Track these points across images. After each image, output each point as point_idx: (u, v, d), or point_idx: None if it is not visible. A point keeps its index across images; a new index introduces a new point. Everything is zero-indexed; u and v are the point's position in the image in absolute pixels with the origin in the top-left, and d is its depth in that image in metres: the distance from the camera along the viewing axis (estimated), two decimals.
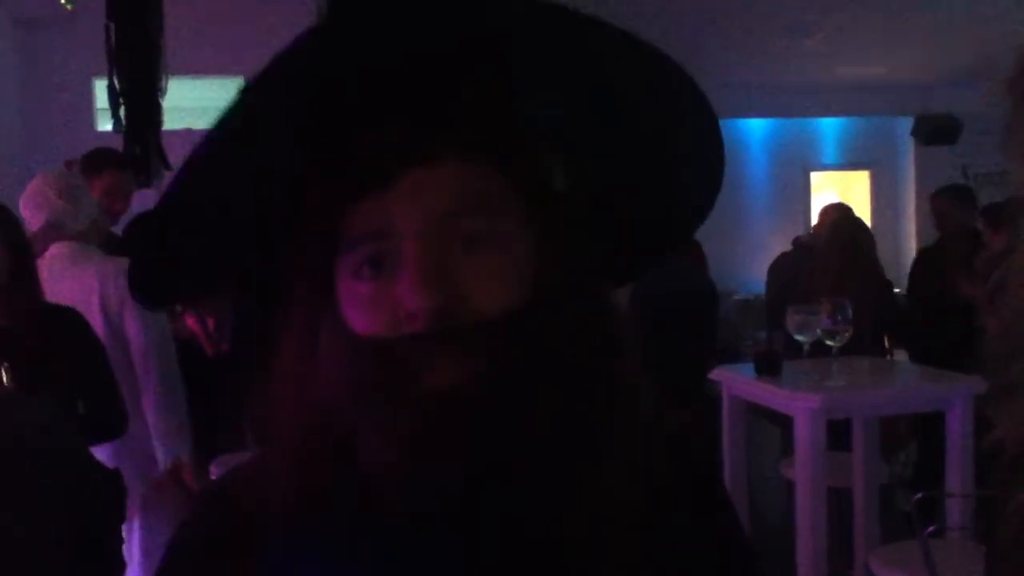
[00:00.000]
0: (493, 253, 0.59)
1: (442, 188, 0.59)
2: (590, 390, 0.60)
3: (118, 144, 3.79)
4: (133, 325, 2.68)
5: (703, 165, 0.69)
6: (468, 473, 0.56)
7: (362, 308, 0.60)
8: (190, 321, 3.32)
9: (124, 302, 2.64)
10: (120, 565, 2.10)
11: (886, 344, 4.30)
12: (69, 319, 2.32)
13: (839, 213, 4.57)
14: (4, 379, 2.07)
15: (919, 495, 2.60)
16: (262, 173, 0.60)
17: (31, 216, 2.71)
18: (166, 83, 3.88)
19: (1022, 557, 0.79)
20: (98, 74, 4.47)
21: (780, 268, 4.79)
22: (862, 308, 3.52)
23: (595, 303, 0.63)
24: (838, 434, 3.57)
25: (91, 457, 2.21)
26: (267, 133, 0.58)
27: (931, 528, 2.49)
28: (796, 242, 5.19)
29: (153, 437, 2.74)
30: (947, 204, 4.64)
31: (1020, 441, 0.82)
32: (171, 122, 3.94)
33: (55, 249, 2.66)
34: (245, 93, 0.56)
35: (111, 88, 3.90)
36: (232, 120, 0.56)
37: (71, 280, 2.60)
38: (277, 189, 0.61)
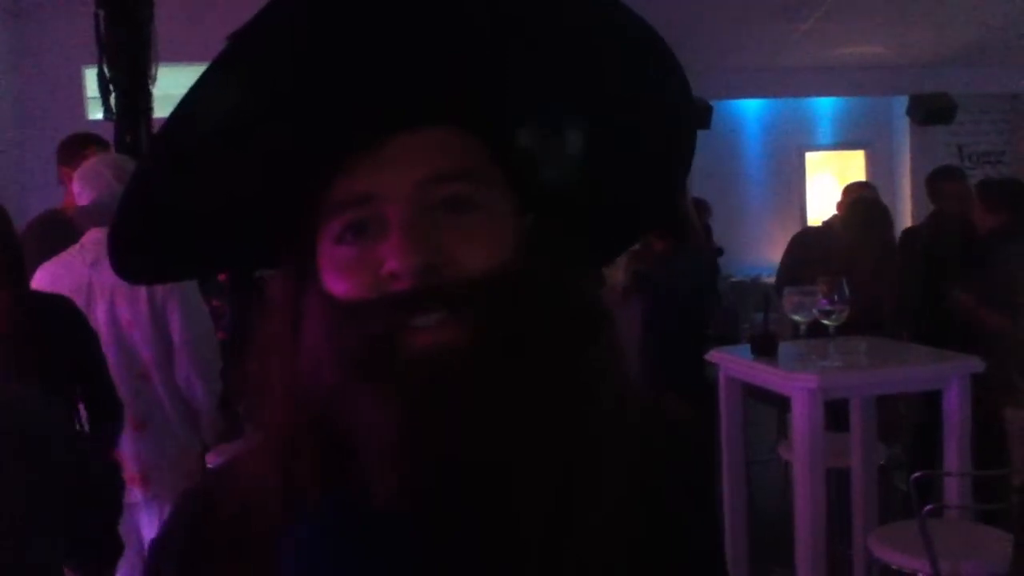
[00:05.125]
0: (475, 217, 0.60)
1: (425, 153, 0.60)
2: (577, 355, 0.60)
3: (109, 132, 3.77)
4: (176, 316, 2.65)
5: (680, 148, 0.69)
6: (460, 441, 0.55)
7: (344, 272, 0.60)
8: None
9: (170, 293, 2.62)
10: (118, 551, 2.10)
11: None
12: (62, 309, 2.30)
13: (858, 193, 4.55)
14: None
15: (917, 475, 2.60)
16: (245, 142, 0.59)
17: (81, 191, 2.68)
18: (156, 71, 3.86)
19: None
20: (88, 63, 4.44)
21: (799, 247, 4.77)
22: (881, 291, 3.52)
23: (576, 275, 0.64)
24: (835, 415, 3.57)
25: (85, 444, 2.20)
26: (250, 100, 0.57)
27: (929, 507, 2.49)
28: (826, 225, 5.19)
29: (202, 427, 2.75)
30: (943, 185, 4.64)
31: None
32: (161, 110, 3.91)
33: (96, 234, 2.64)
34: (224, 60, 0.55)
35: (101, 76, 3.88)
36: (214, 87, 0.56)
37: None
38: (260, 159, 0.60)
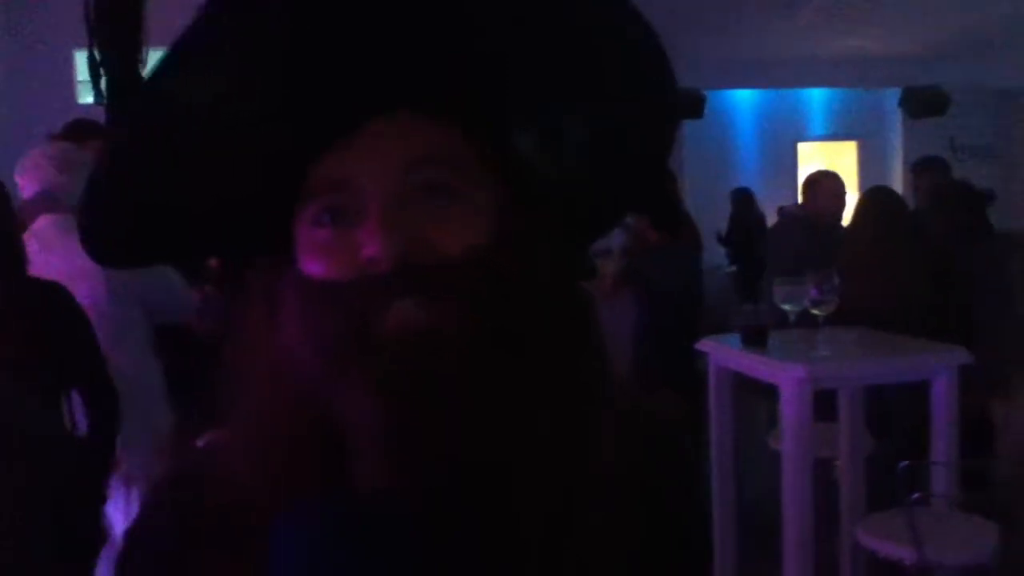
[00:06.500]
0: (455, 204, 0.59)
1: (404, 139, 0.59)
2: (562, 345, 0.60)
3: (100, 116, 3.75)
4: (151, 292, 2.67)
5: (665, 140, 0.68)
6: (448, 436, 0.55)
7: (321, 255, 0.59)
8: None
9: (134, 273, 2.62)
10: (102, 537, 2.10)
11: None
12: (56, 295, 2.29)
13: (830, 181, 4.50)
14: None
15: (904, 464, 2.62)
16: (220, 123, 0.58)
17: (25, 185, 2.68)
18: (147, 54, 3.83)
19: None
20: (79, 46, 4.42)
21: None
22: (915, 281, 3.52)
23: (561, 265, 0.63)
24: (825, 405, 3.58)
25: (65, 430, 2.20)
26: (227, 82, 0.57)
27: (916, 496, 2.51)
28: (783, 213, 5.12)
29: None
30: (915, 179, 4.64)
31: None
32: None
33: (44, 221, 2.63)
34: (197, 38, 0.55)
35: (92, 60, 3.86)
36: (190, 63, 0.55)
37: (62, 253, 2.57)
38: (236, 141, 0.59)
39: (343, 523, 0.54)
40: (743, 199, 8.44)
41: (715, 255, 7.78)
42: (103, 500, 2.33)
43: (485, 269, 0.58)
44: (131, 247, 0.65)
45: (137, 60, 3.80)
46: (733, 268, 8.38)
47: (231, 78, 0.56)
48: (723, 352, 3.24)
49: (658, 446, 0.70)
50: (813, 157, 9.76)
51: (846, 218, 4.39)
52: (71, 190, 2.66)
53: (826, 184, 4.43)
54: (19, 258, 2.25)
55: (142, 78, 4.28)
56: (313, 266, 0.59)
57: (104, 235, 0.64)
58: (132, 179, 0.60)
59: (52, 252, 2.51)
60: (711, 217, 8.16)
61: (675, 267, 4.18)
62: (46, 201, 2.65)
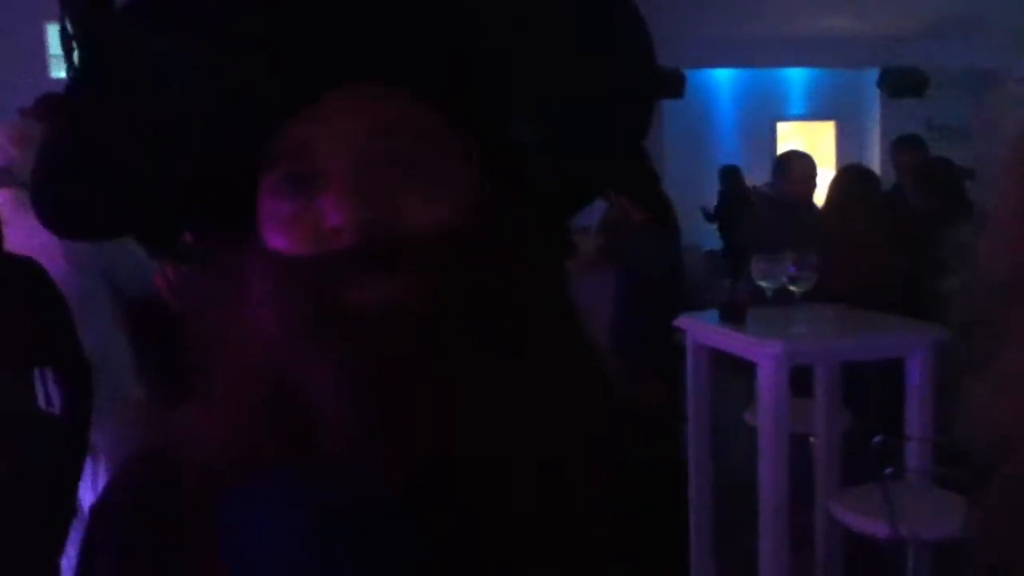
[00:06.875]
0: (422, 175, 0.57)
1: (369, 107, 0.57)
2: (529, 318, 0.58)
3: None
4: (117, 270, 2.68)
5: (644, 120, 0.67)
6: (406, 399, 0.53)
7: (284, 227, 0.57)
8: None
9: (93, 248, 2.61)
10: (72, 514, 2.09)
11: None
12: (30, 271, 2.26)
13: (808, 163, 4.49)
14: None
15: (879, 439, 2.65)
16: (183, 86, 0.56)
17: None
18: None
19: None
20: (50, 18, 4.34)
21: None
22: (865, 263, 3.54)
23: (531, 241, 0.61)
24: (804, 381, 3.60)
25: (38, 408, 2.18)
26: (191, 46, 0.55)
27: (890, 470, 2.53)
28: (755, 192, 5.13)
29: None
30: (895, 156, 4.65)
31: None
32: None
33: (3, 195, 2.60)
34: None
35: (64, 33, 3.80)
36: (157, 26, 0.54)
37: (20, 227, 2.54)
38: (198, 105, 0.57)
39: (310, 501, 0.53)
40: (731, 176, 8.46)
41: (692, 235, 7.79)
42: (78, 477, 2.31)
43: (454, 243, 0.56)
44: (88, 219, 0.63)
45: (108, 32, 3.75)
46: (712, 249, 8.42)
47: (208, 52, 0.55)
48: (701, 328, 3.25)
49: (642, 432, 0.70)
50: (792, 136, 9.79)
51: (819, 197, 4.41)
52: (28, 166, 2.62)
53: (797, 164, 4.45)
54: None
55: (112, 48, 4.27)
56: (276, 239, 0.57)
57: (58, 207, 0.62)
58: (88, 149, 0.58)
59: (10, 226, 2.48)
60: (691, 196, 8.18)
61: (656, 247, 4.18)
62: (1, 176, 2.63)
